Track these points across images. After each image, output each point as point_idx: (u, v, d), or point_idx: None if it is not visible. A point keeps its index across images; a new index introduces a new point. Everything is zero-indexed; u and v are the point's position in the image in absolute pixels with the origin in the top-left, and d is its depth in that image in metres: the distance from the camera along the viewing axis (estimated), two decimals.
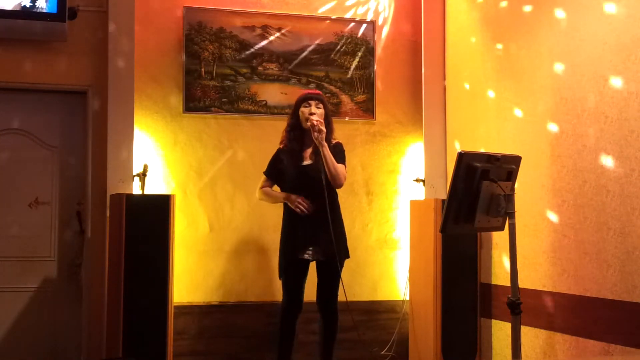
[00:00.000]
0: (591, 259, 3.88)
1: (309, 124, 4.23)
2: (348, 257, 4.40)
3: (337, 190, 4.34)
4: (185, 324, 4.87)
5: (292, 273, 4.34)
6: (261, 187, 4.49)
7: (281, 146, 4.44)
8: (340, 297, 4.34)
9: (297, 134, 4.36)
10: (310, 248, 4.28)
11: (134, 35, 4.81)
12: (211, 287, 4.99)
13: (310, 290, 4.39)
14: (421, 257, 4.93)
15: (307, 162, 4.33)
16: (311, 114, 4.28)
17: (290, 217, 4.34)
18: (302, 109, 4.33)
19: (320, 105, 4.34)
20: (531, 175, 4.29)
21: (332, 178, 4.22)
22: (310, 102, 4.33)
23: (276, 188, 4.47)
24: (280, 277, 4.38)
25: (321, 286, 4.36)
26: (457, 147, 5.13)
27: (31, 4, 4.54)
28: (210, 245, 5.01)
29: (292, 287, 4.35)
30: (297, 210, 4.25)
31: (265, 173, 4.48)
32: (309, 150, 4.34)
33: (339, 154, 4.35)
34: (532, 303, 4.22)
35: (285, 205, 4.37)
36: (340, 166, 4.29)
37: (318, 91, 4.61)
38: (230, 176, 5.06)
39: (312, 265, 4.38)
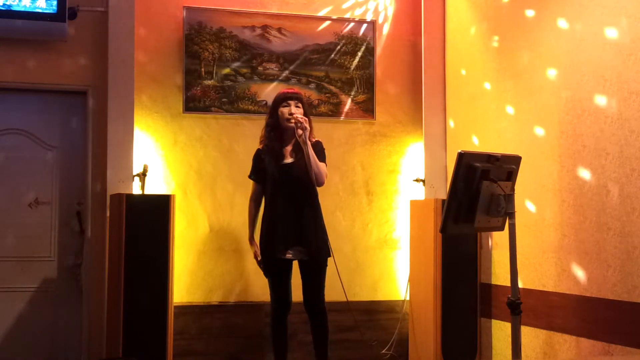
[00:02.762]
0: (591, 259, 3.88)
1: (292, 122, 4.23)
2: (330, 255, 4.33)
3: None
4: (185, 324, 4.87)
5: (276, 273, 4.35)
6: (251, 196, 4.48)
7: (260, 146, 4.44)
8: (341, 297, 4.34)
9: (277, 134, 4.36)
10: (292, 247, 4.27)
11: (134, 35, 4.81)
12: (211, 287, 4.99)
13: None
14: (421, 257, 4.93)
15: (288, 160, 4.32)
16: (291, 113, 4.28)
17: (270, 216, 4.33)
18: (281, 108, 4.33)
19: (300, 105, 4.35)
20: (531, 175, 4.29)
21: (315, 176, 4.22)
22: (289, 102, 4.34)
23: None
24: (266, 275, 4.38)
25: (306, 286, 4.33)
26: (457, 147, 5.13)
27: (31, 4, 4.54)
28: (210, 245, 5.01)
29: (277, 287, 4.36)
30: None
31: (251, 177, 4.47)
32: (289, 149, 4.33)
33: (320, 152, 4.35)
34: (532, 303, 4.22)
35: (266, 203, 4.37)
36: (322, 164, 4.29)
37: (297, 90, 4.60)
38: (230, 176, 5.06)
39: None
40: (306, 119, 4.25)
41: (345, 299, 4.33)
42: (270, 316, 4.46)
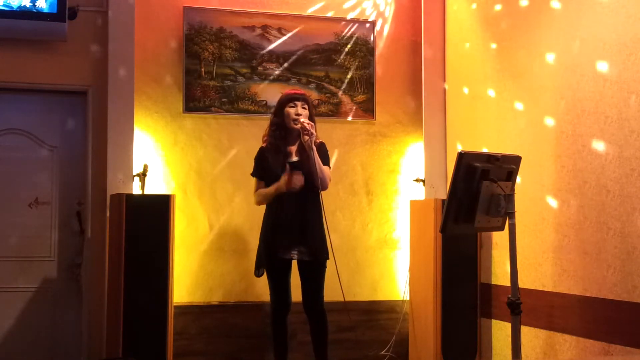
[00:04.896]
0: (591, 259, 3.88)
1: (298, 125, 4.22)
2: (328, 258, 4.34)
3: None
4: (185, 324, 4.87)
5: (276, 273, 4.35)
6: (255, 192, 4.46)
7: (264, 144, 4.43)
8: (340, 297, 4.34)
9: (282, 133, 4.34)
10: (293, 248, 4.27)
11: (134, 35, 4.81)
12: (211, 287, 4.99)
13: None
14: (421, 257, 4.93)
15: (292, 159, 4.32)
16: (297, 114, 4.27)
17: (272, 216, 4.33)
18: (287, 109, 4.32)
19: (306, 106, 4.34)
20: (531, 175, 4.29)
21: (320, 181, 4.21)
22: (296, 102, 4.33)
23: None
24: (255, 274, 4.38)
25: (305, 287, 4.34)
26: (457, 147, 5.13)
27: (31, 4, 4.54)
28: (210, 245, 5.01)
29: (277, 287, 4.36)
30: (295, 186, 4.20)
31: (254, 175, 4.45)
32: (293, 148, 4.33)
33: (324, 155, 4.35)
34: (532, 303, 4.22)
35: (268, 203, 4.36)
36: (326, 168, 4.30)
37: (302, 91, 4.58)
38: (230, 176, 5.06)
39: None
40: (312, 124, 4.24)
41: (343, 300, 4.31)
42: (270, 316, 4.47)
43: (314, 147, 4.20)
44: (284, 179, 4.23)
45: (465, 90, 5.11)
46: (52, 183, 4.83)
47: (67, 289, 4.81)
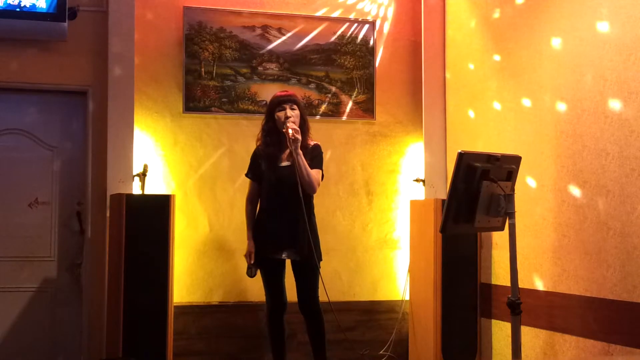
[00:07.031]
0: (591, 259, 3.88)
1: (284, 130, 4.23)
2: (321, 259, 4.35)
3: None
4: (185, 324, 4.87)
5: (269, 273, 4.37)
6: (248, 196, 4.48)
7: (258, 143, 4.44)
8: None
9: (274, 139, 4.35)
10: (285, 248, 4.28)
11: (134, 35, 4.81)
12: (211, 287, 4.99)
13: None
14: (421, 257, 4.93)
15: (284, 163, 4.32)
16: (287, 117, 4.26)
17: (265, 216, 4.35)
18: (277, 113, 4.31)
19: (295, 107, 4.33)
20: (531, 175, 4.29)
21: (305, 185, 4.21)
22: (284, 105, 4.32)
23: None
24: (248, 274, 4.38)
25: (299, 288, 4.35)
26: (457, 147, 5.13)
27: (31, 4, 4.54)
28: (210, 245, 5.01)
29: (271, 286, 4.38)
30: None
31: (248, 175, 4.47)
32: (287, 151, 4.30)
33: (316, 158, 4.34)
34: (532, 303, 4.22)
35: (261, 204, 4.39)
36: (314, 172, 4.28)
37: (291, 92, 4.53)
38: (230, 176, 5.06)
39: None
40: (297, 129, 4.22)
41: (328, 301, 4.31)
42: (266, 316, 4.48)
43: (300, 152, 4.20)
44: (247, 252, 4.39)
45: (465, 90, 5.11)
46: (52, 183, 4.83)
47: (67, 289, 4.81)
